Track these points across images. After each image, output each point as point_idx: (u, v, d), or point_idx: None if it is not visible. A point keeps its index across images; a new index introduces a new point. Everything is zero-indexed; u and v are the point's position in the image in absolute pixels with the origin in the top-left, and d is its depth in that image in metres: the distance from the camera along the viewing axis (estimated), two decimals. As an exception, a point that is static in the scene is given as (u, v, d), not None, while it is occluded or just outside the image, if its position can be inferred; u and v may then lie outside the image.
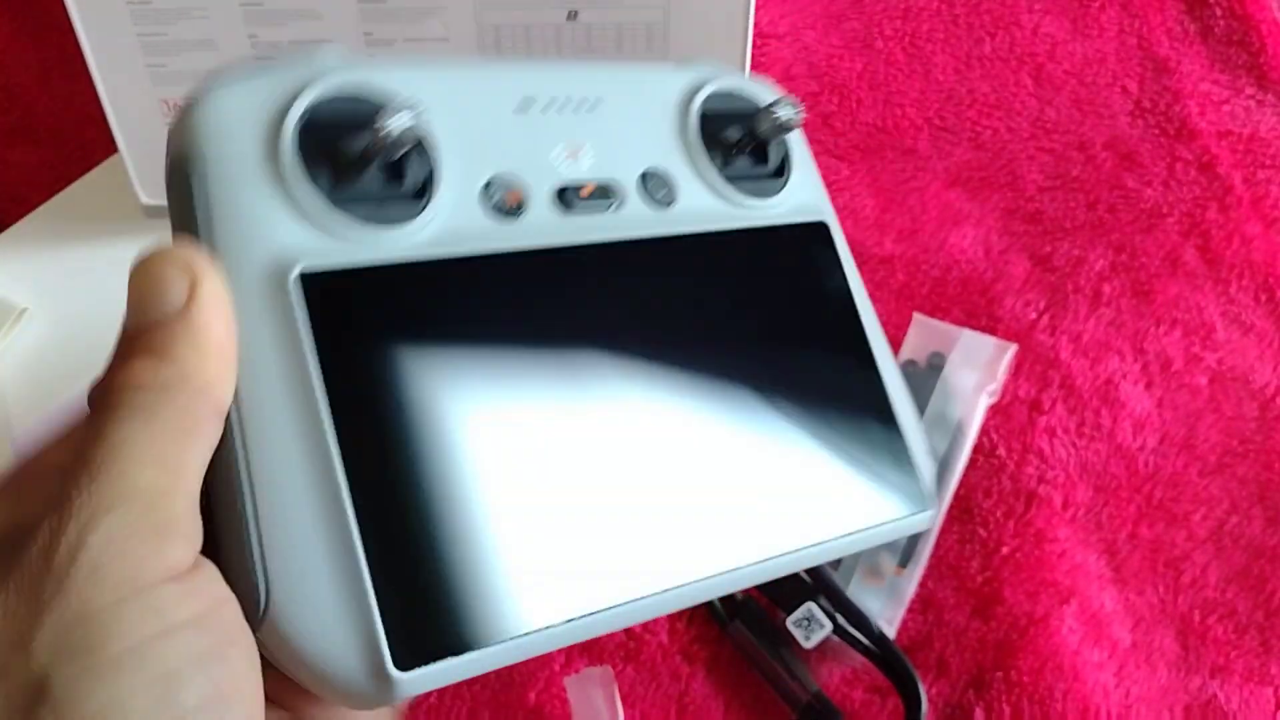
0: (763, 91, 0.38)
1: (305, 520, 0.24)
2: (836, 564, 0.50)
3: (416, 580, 0.25)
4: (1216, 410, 0.54)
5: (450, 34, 0.49)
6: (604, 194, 0.33)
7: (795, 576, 0.48)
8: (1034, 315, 0.56)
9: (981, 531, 0.51)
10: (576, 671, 0.48)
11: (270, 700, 0.24)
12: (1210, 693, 0.49)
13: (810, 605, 0.47)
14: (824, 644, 0.48)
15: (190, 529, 0.22)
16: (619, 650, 0.49)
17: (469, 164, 0.30)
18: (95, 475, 0.21)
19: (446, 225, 0.29)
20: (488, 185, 0.30)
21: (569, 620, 0.27)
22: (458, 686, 0.48)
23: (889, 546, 0.50)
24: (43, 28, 0.63)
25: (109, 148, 0.58)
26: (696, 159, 0.35)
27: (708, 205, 0.35)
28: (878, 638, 0.47)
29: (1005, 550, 0.51)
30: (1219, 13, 0.62)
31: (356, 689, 0.24)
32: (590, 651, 0.49)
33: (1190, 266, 0.56)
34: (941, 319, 0.55)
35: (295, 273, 0.26)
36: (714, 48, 0.50)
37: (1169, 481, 0.53)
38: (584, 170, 0.33)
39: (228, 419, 0.24)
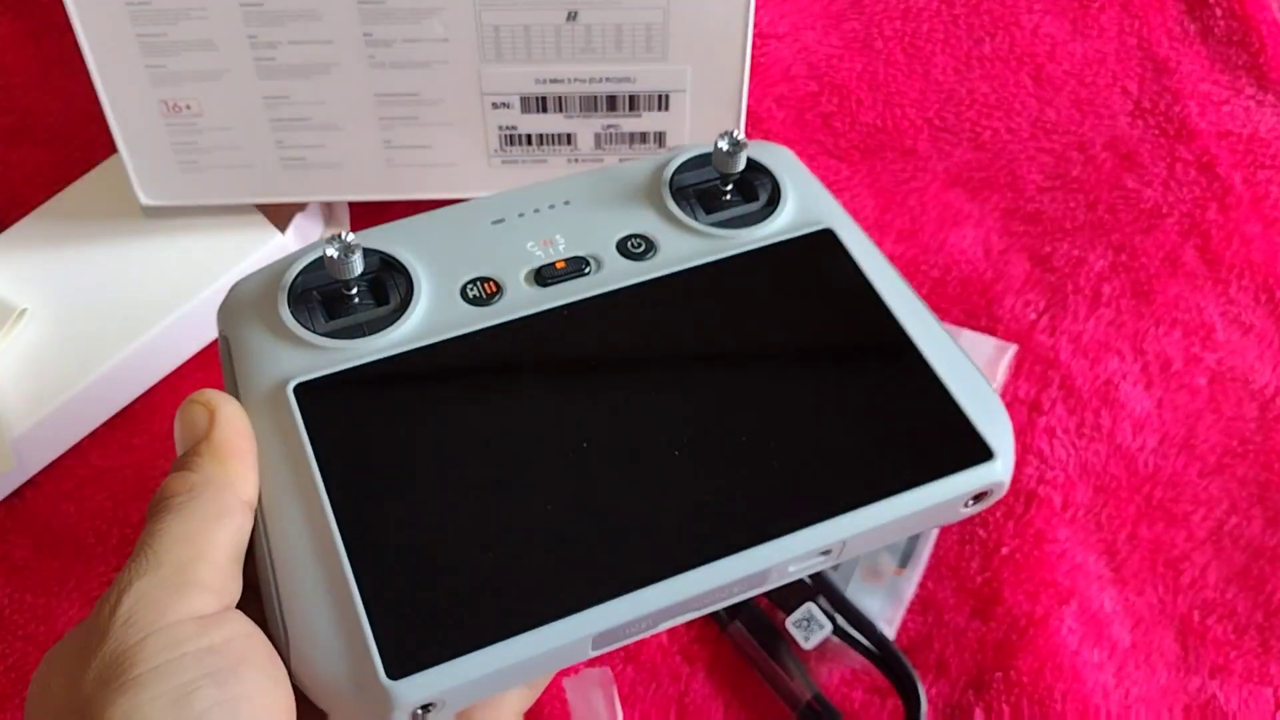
0: (746, 148, 0.37)
1: (310, 571, 0.29)
2: (836, 564, 0.50)
3: (403, 603, 0.29)
4: (1216, 410, 0.54)
5: (450, 34, 0.49)
6: (579, 263, 0.35)
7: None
8: (1034, 315, 0.56)
9: (981, 532, 0.51)
10: (576, 672, 0.48)
11: None
12: (1210, 693, 0.49)
13: (810, 606, 0.47)
14: (824, 644, 0.48)
15: (214, 586, 0.28)
16: (619, 651, 0.49)
17: (446, 274, 0.35)
18: (136, 557, 0.27)
19: (425, 322, 0.34)
20: (466, 284, 0.35)
21: (575, 613, 0.29)
22: (457, 687, 0.48)
23: (888, 547, 0.50)
24: (43, 28, 0.63)
25: (109, 148, 0.58)
26: (672, 215, 0.36)
27: (691, 247, 0.36)
28: (877, 638, 0.47)
29: (1005, 551, 0.51)
30: (1219, 13, 0.62)
31: (362, 703, 0.28)
32: (590, 652, 0.49)
33: (1190, 267, 0.57)
34: (941, 319, 0.55)
35: (290, 386, 0.32)
36: (714, 48, 0.50)
37: (1169, 482, 0.53)
38: (558, 252, 0.35)
39: (258, 509, 0.31)
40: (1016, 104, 0.61)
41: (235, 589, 0.28)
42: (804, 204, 0.37)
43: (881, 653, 0.47)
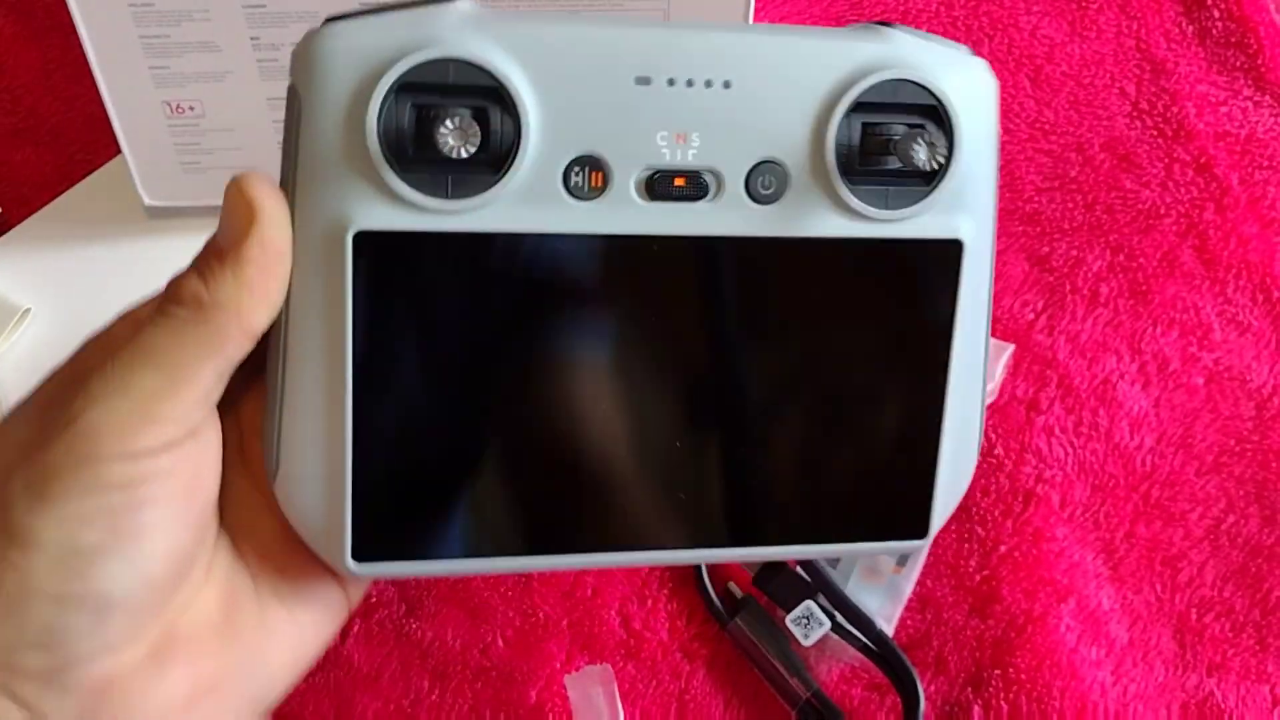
0: (948, 83, 0.31)
1: (316, 423, 0.30)
2: (835, 562, 0.50)
3: (388, 496, 0.31)
4: (1213, 410, 0.54)
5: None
6: (698, 184, 0.31)
7: (794, 575, 0.48)
8: (1032, 315, 0.56)
9: (980, 530, 0.51)
10: (577, 669, 0.48)
11: (236, 538, 0.32)
12: (1207, 690, 0.49)
13: (809, 603, 0.48)
14: (823, 642, 0.48)
15: (172, 425, 0.28)
16: (619, 648, 0.49)
17: (560, 139, 0.30)
18: (114, 369, 0.28)
19: (517, 201, 0.30)
20: (574, 163, 0.30)
21: (514, 555, 0.32)
22: (459, 683, 0.49)
23: (888, 545, 0.50)
24: (45, 29, 0.63)
25: (111, 149, 0.58)
26: (822, 157, 0.31)
27: (818, 211, 0.31)
28: (876, 636, 0.48)
29: (1003, 549, 0.51)
30: (1216, 15, 0.62)
31: (321, 553, 0.31)
32: (591, 648, 0.49)
33: (1187, 267, 0.57)
34: (940, 319, 0.55)
35: (350, 233, 0.29)
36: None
37: (1166, 480, 0.53)
38: (687, 158, 0.31)
39: (279, 327, 0.30)
40: (1015, 105, 0.61)
41: (201, 416, 0.29)
42: (962, 185, 0.32)
43: (880, 650, 0.48)
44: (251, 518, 0.32)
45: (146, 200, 0.53)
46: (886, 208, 0.31)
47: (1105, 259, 0.57)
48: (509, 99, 0.29)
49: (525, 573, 0.34)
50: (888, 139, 0.31)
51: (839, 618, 0.48)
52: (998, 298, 0.56)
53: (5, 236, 0.55)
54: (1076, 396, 0.54)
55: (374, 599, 0.50)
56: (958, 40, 0.33)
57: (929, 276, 0.32)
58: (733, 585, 0.49)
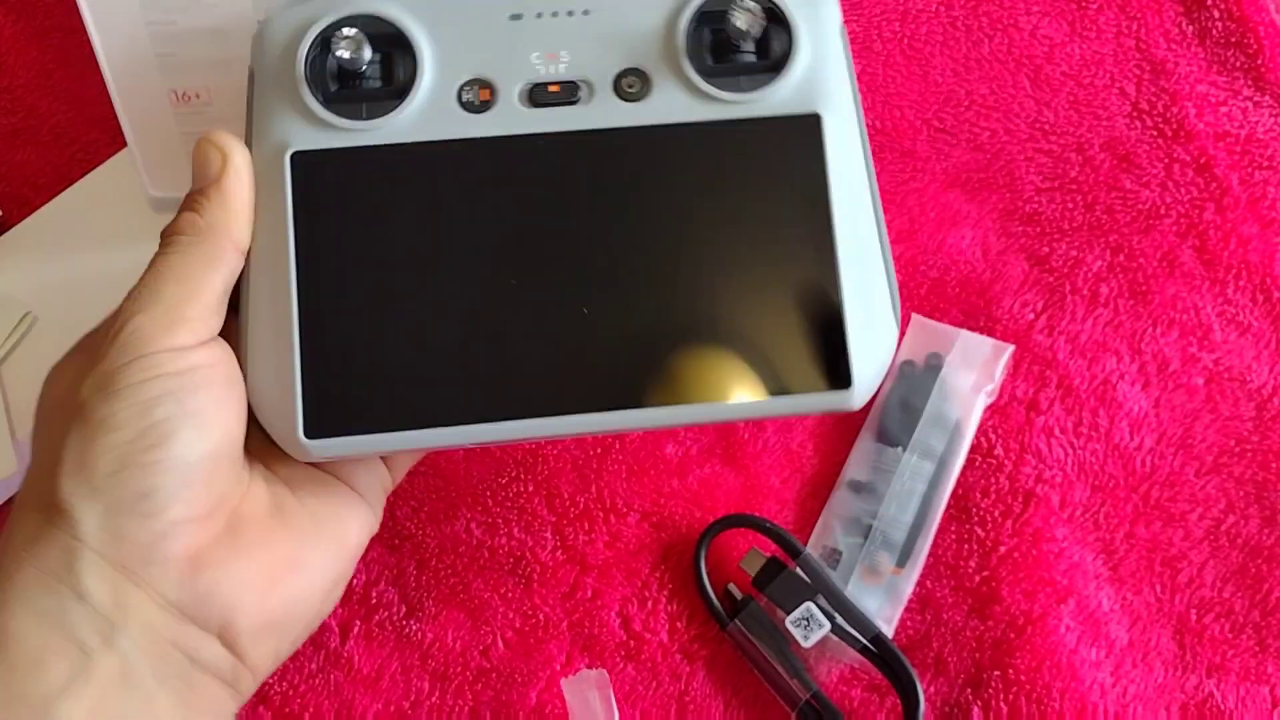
0: None
1: (269, 327, 0.36)
2: (835, 564, 0.50)
3: (331, 376, 0.36)
4: (1213, 410, 0.54)
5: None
6: (571, 90, 0.37)
7: (794, 576, 0.48)
8: (1031, 316, 0.56)
9: (979, 531, 0.51)
10: (577, 671, 0.49)
11: (264, 463, 0.38)
12: (1207, 691, 0.49)
13: (809, 605, 0.48)
14: (822, 643, 0.48)
15: (199, 320, 0.35)
16: (619, 649, 0.49)
17: (450, 67, 0.37)
18: (141, 288, 0.35)
19: (419, 118, 0.37)
20: (465, 85, 0.37)
21: (461, 425, 0.36)
22: (459, 685, 0.49)
23: (887, 546, 0.50)
24: (45, 29, 0.63)
25: (111, 149, 0.58)
26: (676, 57, 0.37)
27: (680, 101, 0.37)
28: (875, 637, 0.48)
29: (1003, 549, 0.51)
30: (1216, 15, 0.62)
31: (284, 443, 0.36)
32: (591, 650, 0.49)
33: (1187, 267, 0.57)
34: (940, 320, 0.55)
35: (287, 154, 0.37)
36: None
37: (1166, 481, 0.53)
38: (559, 71, 0.37)
39: (248, 254, 0.37)
40: (1015, 105, 0.61)
41: (218, 323, 0.36)
42: (812, 72, 0.38)
43: (880, 651, 0.48)
44: (269, 445, 0.37)
45: (151, 191, 0.53)
46: (739, 90, 0.37)
47: (1105, 259, 0.57)
48: (406, 40, 0.37)
49: (462, 445, 0.38)
50: (722, 36, 0.37)
51: (839, 619, 0.48)
52: (998, 298, 0.56)
53: (5, 236, 0.55)
54: (1076, 397, 0.54)
55: (374, 600, 0.50)
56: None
57: (793, 146, 0.37)
58: (733, 587, 0.49)
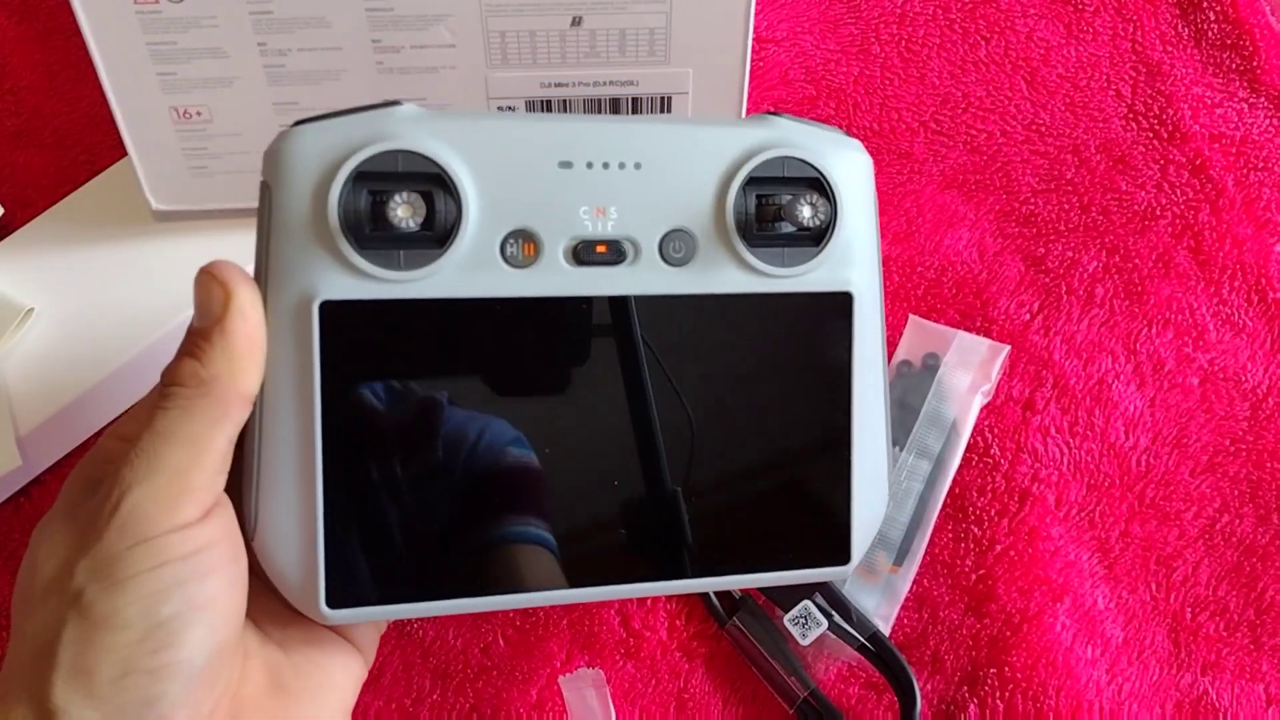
0: (827, 159, 0.37)
1: (290, 483, 0.33)
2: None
3: (356, 546, 0.34)
4: (1208, 410, 0.55)
5: (457, 40, 0.49)
6: (617, 250, 0.35)
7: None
8: (1027, 316, 0.56)
9: (975, 530, 0.52)
10: (577, 669, 0.49)
11: (258, 623, 0.35)
12: (1201, 689, 0.50)
13: (807, 603, 0.48)
14: (820, 641, 0.48)
15: (204, 492, 0.31)
16: (619, 647, 0.50)
17: (495, 216, 0.34)
18: (140, 455, 0.30)
19: (459, 271, 0.34)
20: (509, 236, 0.35)
21: (483, 595, 0.35)
22: (460, 682, 0.49)
23: (884, 545, 0.51)
24: (49, 31, 0.63)
25: (115, 151, 0.58)
26: (723, 223, 0.36)
27: (723, 270, 0.36)
28: (873, 635, 0.48)
29: (999, 548, 0.51)
30: (1212, 17, 0.63)
31: (302, 609, 0.34)
32: (590, 648, 0.50)
33: (1182, 268, 0.57)
34: (936, 320, 0.56)
35: (316, 303, 0.33)
36: (715, 51, 0.51)
37: (1161, 480, 0.53)
38: (606, 229, 0.35)
39: (258, 397, 0.33)
40: (1011, 107, 0.61)
41: (223, 480, 0.32)
42: (848, 247, 0.37)
43: (877, 649, 0.48)
44: (262, 598, 0.34)
45: (154, 205, 0.53)
46: (783, 265, 0.36)
47: (1100, 260, 0.57)
48: (450, 183, 0.34)
49: (481, 611, 0.37)
50: (778, 206, 0.36)
51: (836, 617, 0.48)
52: (994, 299, 0.56)
53: (10, 238, 0.56)
54: (1072, 396, 0.55)
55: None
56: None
57: (825, 323, 0.37)
58: (731, 584, 0.50)
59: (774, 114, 0.37)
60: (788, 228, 0.36)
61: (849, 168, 0.37)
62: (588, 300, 0.35)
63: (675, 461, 0.37)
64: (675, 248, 0.36)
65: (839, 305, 0.37)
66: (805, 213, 0.36)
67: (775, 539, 0.38)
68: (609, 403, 0.36)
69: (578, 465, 0.36)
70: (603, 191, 0.35)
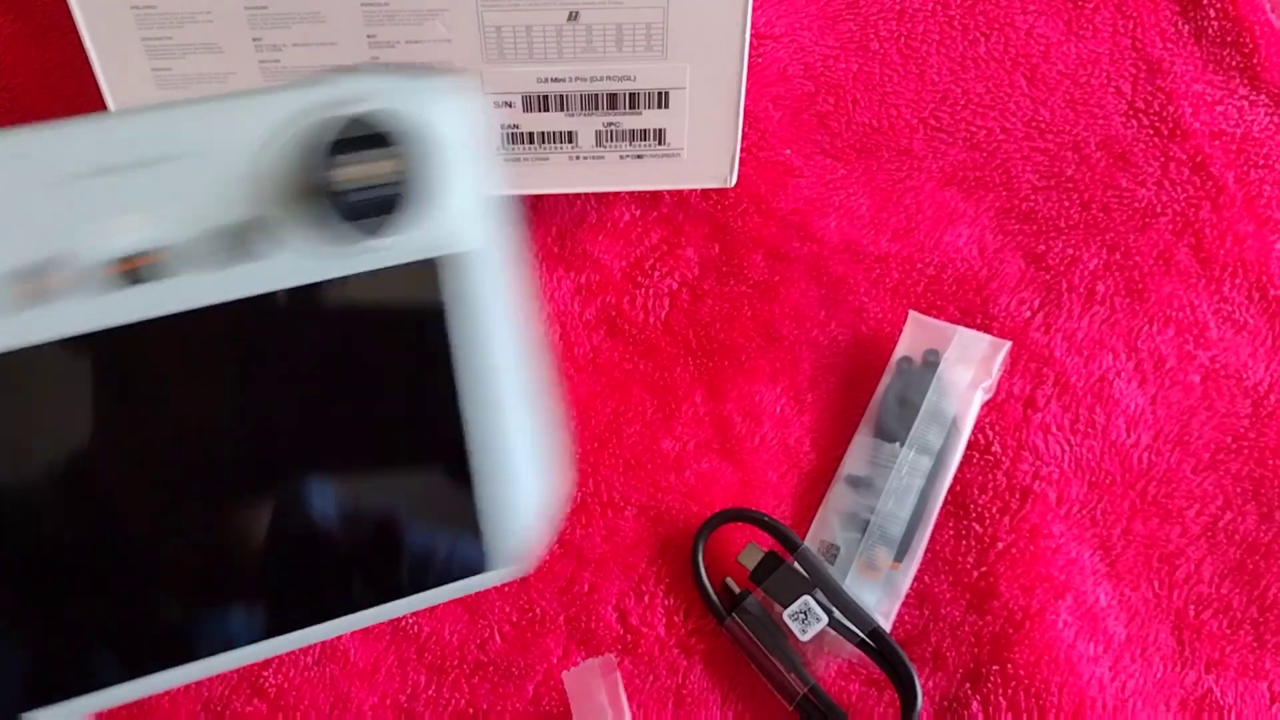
0: (399, 110, 0.30)
1: None
2: (833, 559, 0.50)
3: (22, 643, 0.30)
4: (1210, 407, 0.54)
5: (453, 35, 0.49)
6: (161, 263, 0.29)
7: (792, 570, 0.48)
8: (1028, 313, 0.56)
9: (977, 527, 0.51)
10: (574, 665, 0.48)
11: None
12: (1205, 687, 0.49)
13: (807, 599, 0.48)
14: (820, 637, 0.48)
15: None
16: (616, 643, 0.49)
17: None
18: None
19: None
20: (12, 274, 0.28)
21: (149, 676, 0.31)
22: (456, 678, 0.48)
23: (884, 541, 0.50)
24: (44, 29, 0.63)
25: (111, 147, 0.58)
26: (280, 204, 0.30)
27: (292, 260, 0.30)
28: (874, 631, 0.48)
29: (1000, 545, 0.51)
30: (1212, 14, 0.63)
31: None
32: (588, 644, 0.49)
33: (1183, 265, 0.57)
34: (937, 317, 0.55)
35: None
36: (712, 46, 0.51)
37: (1163, 478, 0.53)
38: (136, 241, 0.29)
39: None
40: (1011, 104, 0.61)
41: None
42: (446, 207, 0.31)
43: (878, 645, 0.48)
44: None
45: None
46: (364, 238, 0.30)
47: (1101, 257, 0.57)
48: None
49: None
50: (344, 174, 0.30)
51: (836, 613, 0.48)
52: (995, 296, 0.56)
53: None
54: (1073, 394, 0.54)
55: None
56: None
57: (410, 303, 0.32)
58: (730, 581, 0.49)
59: (352, 68, 0.31)
60: (360, 197, 0.30)
61: (431, 113, 0.31)
62: (141, 326, 0.29)
63: (274, 489, 0.32)
64: (233, 243, 0.30)
65: (419, 275, 0.31)
66: (372, 174, 0.30)
67: (415, 555, 0.33)
68: (179, 444, 0.31)
69: (183, 506, 0.31)
70: (127, 197, 0.29)
